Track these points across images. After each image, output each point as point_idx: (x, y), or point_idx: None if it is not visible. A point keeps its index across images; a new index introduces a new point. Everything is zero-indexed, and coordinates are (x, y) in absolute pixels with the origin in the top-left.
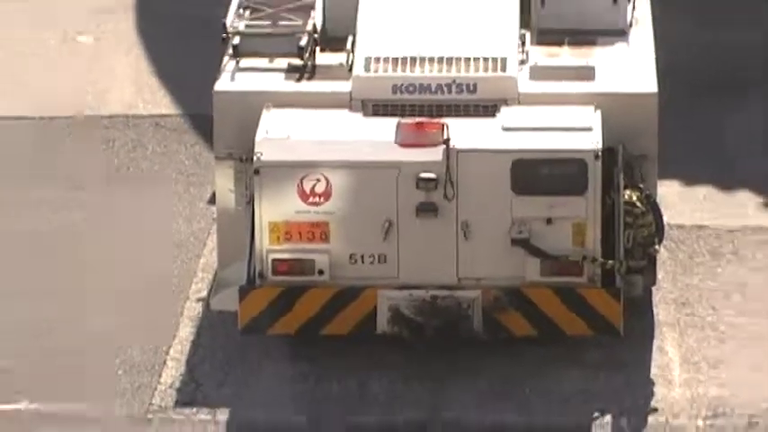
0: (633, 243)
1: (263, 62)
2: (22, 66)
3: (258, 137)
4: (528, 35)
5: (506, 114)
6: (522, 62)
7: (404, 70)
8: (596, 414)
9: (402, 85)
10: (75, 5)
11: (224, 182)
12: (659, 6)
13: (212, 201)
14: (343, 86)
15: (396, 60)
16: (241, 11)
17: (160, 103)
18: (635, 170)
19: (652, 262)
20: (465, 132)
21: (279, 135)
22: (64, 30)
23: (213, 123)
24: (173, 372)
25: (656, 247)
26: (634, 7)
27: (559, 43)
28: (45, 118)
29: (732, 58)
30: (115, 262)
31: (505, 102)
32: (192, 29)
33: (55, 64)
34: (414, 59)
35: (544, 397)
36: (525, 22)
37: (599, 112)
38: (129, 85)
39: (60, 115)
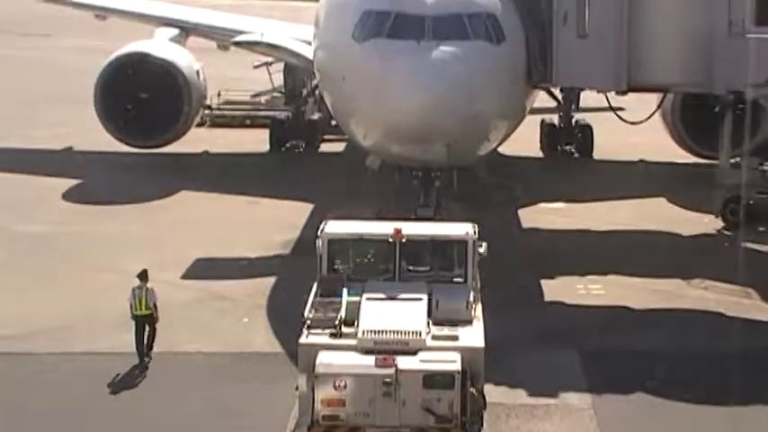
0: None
1: (320, 331)
2: None
3: (317, 362)
4: (430, 321)
5: (421, 354)
6: (428, 333)
7: (379, 336)
8: None
9: (378, 341)
10: None
11: None
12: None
13: None
14: (353, 341)
15: (376, 331)
16: (311, 309)
17: None
18: (474, 379)
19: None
20: (404, 362)
21: (326, 361)
22: None
23: (297, 358)
24: None
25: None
26: (475, 311)
27: (443, 325)
28: None
29: None
30: None
31: (420, 350)
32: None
33: None
34: (383, 331)
35: None
36: (429, 315)
37: (459, 355)
38: None
39: None
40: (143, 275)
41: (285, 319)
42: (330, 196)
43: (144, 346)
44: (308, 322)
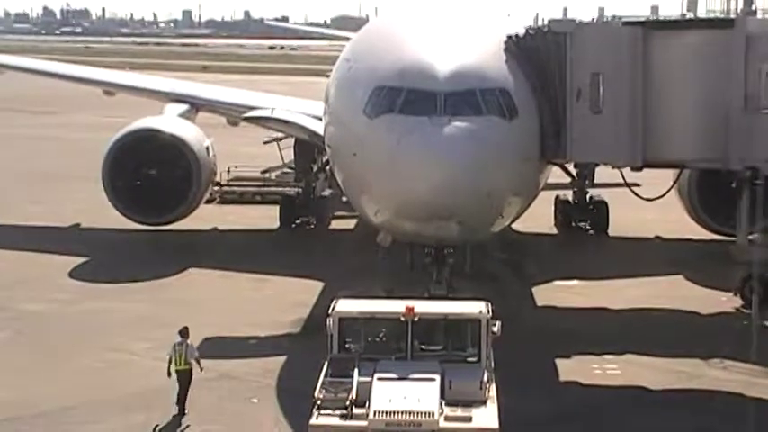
0: None
1: (330, 411)
2: None
3: None
4: (443, 401)
5: None
6: (441, 413)
7: (391, 416)
8: None
9: (390, 423)
10: None
11: None
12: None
13: None
14: (364, 423)
15: (387, 412)
16: (321, 389)
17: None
18: None
19: None
20: None
21: None
22: None
23: None
24: None
25: None
26: (488, 391)
27: (458, 405)
28: None
29: None
30: None
31: (434, 431)
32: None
33: None
34: (394, 412)
35: None
36: (442, 395)
37: None
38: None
39: None
40: (184, 332)
41: (296, 399)
42: (341, 274)
43: (185, 400)
44: (319, 403)
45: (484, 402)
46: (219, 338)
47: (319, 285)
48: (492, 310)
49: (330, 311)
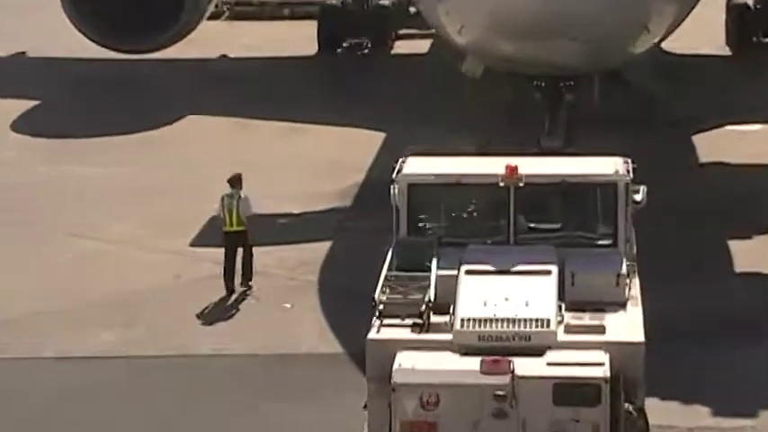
0: None
1: (397, 321)
2: None
3: (395, 367)
4: (563, 305)
5: (550, 355)
6: (560, 321)
7: (485, 327)
8: None
9: (484, 335)
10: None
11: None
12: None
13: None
14: (447, 337)
15: (480, 320)
16: (384, 288)
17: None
18: (630, 390)
19: None
20: (524, 367)
21: (407, 366)
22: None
23: (366, 359)
24: None
25: None
26: (629, 288)
27: (582, 310)
28: None
29: None
30: None
31: (549, 347)
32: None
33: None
34: (491, 320)
35: None
36: (561, 296)
37: (608, 354)
38: (315, 333)
39: None
40: (235, 181)
41: (346, 303)
42: (409, 121)
43: (233, 274)
44: (381, 308)
45: (622, 305)
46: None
47: (378, 138)
48: (633, 170)
49: (396, 175)
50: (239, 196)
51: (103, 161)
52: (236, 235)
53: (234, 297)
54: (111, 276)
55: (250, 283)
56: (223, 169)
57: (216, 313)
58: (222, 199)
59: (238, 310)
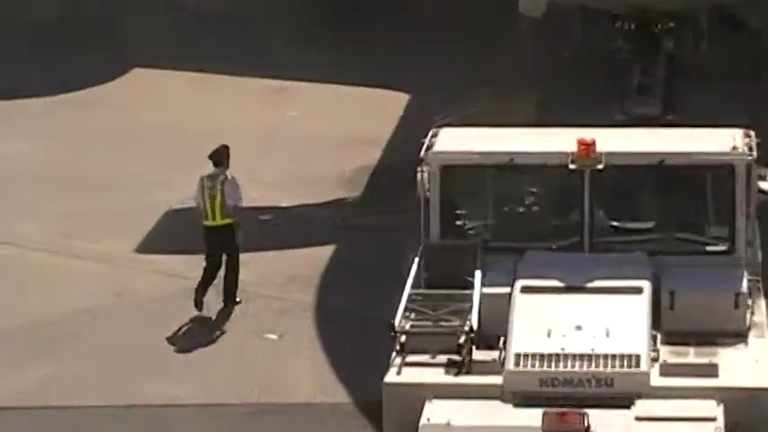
0: None
1: (426, 358)
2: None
3: (422, 422)
4: (658, 335)
5: (640, 406)
6: (654, 359)
7: (549, 366)
8: None
9: (548, 379)
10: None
11: None
12: None
13: None
14: (496, 380)
15: (542, 357)
16: (407, 312)
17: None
18: None
19: None
20: (603, 422)
21: (439, 421)
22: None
23: (383, 410)
24: None
25: None
26: (752, 312)
27: (686, 343)
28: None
29: None
30: None
31: (639, 395)
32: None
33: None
34: (558, 356)
35: None
36: (655, 324)
37: (722, 405)
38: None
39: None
40: (219, 155)
41: (352, 333)
42: (444, 78)
43: (208, 285)
44: (403, 340)
45: (742, 336)
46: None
47: (399, 101)
48: (756, 146)
49: (424, 154)
50: (225, 177)
51: (17, 132)
52: (221, 231)
53: (200, 320)
54: (27, 295)
55: (237, 299)
56: (183, 144)
57: (174, 345)
58: (201, 181)
59: (206, 341)
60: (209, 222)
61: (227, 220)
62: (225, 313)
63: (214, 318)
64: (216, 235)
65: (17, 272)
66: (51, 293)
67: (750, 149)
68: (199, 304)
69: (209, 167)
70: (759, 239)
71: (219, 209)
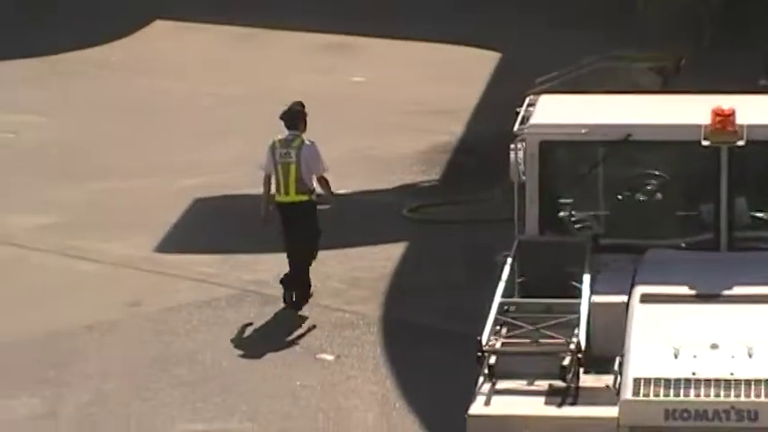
0: None
1: (521, 384)
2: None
3: None
4: None
5: None
6: None
7: (677, 394)
8: None
9: (675, 410)
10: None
11: None
12: None
13: None
14: (610, 412)
15: (668, 382)
16: (498, 327)
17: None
18: None
19: None
20: None
21: None
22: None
23: None
24: None
25: None
26: None
27: None
28: None
29: None
30: None
31: None
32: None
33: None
34: (688, 381)
35: None
36: None
37: None
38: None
39: None
40: (295, 116)
41: (425, 351)
42: (541, 33)
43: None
44: (493, 361)
45: None
46: (237, 197)
47: (487, 61)
48: None
49: (519, 127)
50: (302, 142)
51: (8, 102)
52: (296, 208)
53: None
54: (23, 305)
55: (311, 289)
56: (216, 115)
57: (202, 368)
58: (272, 146)
59: (243, 365)
60: (281, 198)
61: (303, 197)
62: (270, 326)
63: (251, 331)
64: (290, 213)
65: (16, 277)
66: (51, 302)
67: None
68: (287, 299)
69: (244, 146)
70: None
71: (294, 182)
